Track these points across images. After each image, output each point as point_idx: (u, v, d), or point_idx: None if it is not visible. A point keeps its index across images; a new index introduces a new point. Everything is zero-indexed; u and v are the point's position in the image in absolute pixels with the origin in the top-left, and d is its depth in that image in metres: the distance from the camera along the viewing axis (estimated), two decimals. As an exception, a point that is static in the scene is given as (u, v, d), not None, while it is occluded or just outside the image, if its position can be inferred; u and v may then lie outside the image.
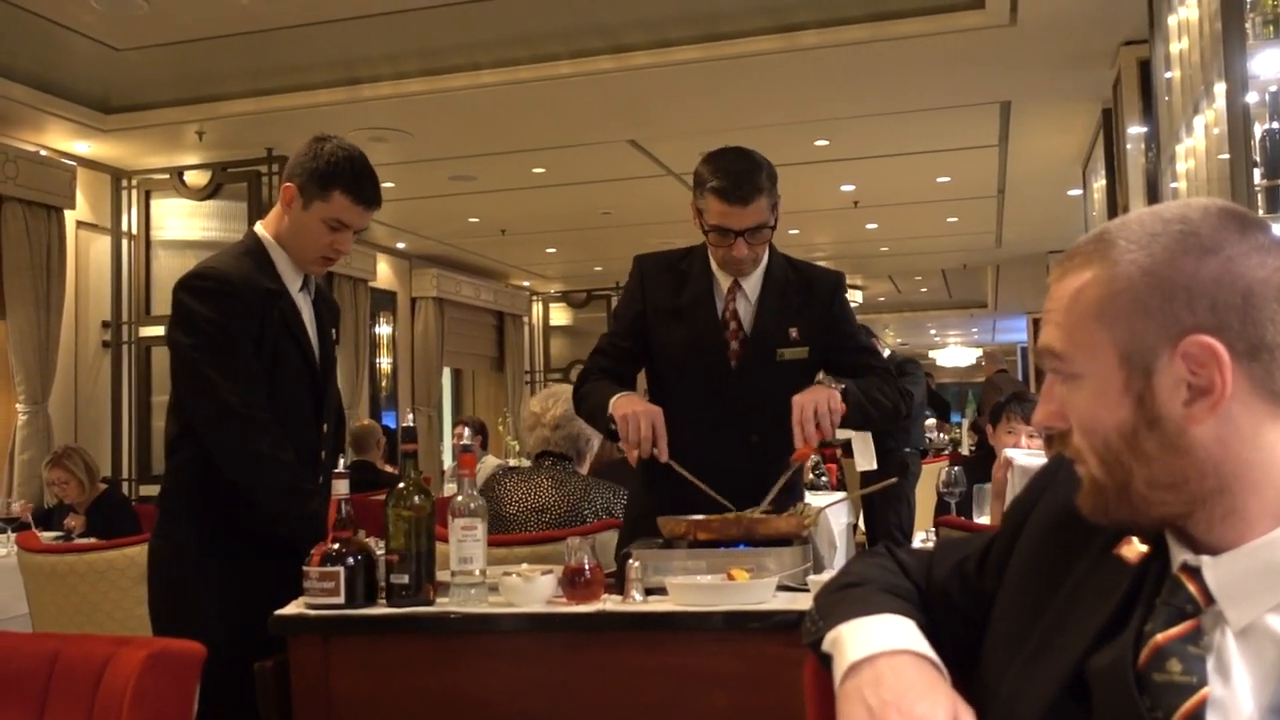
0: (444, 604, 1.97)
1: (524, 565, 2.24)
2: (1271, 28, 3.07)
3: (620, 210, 9.16)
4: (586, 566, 1.95)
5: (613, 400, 2.34)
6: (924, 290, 15.83)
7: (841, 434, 5.86)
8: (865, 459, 5.83)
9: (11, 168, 6.15)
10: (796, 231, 10.14)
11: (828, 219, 9.88)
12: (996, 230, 10.59)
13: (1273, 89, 3.12)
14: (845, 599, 1.07)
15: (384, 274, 10.24)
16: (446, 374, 11.56)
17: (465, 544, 1.96)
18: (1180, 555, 0.90)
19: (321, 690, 1.94)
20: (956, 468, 3.51)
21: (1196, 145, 3.82)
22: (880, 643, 0.99)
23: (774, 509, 2.26)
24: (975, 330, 20.90)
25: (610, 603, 1.94)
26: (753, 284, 2.49)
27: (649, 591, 1.97)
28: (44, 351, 6.36)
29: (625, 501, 2.90)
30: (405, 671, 1.94)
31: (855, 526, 6.29)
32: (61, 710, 1.49)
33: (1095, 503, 0.93)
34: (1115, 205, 5.84)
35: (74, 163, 6.75)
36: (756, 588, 1.89)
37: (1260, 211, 3.04)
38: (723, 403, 2.45)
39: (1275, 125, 3.08)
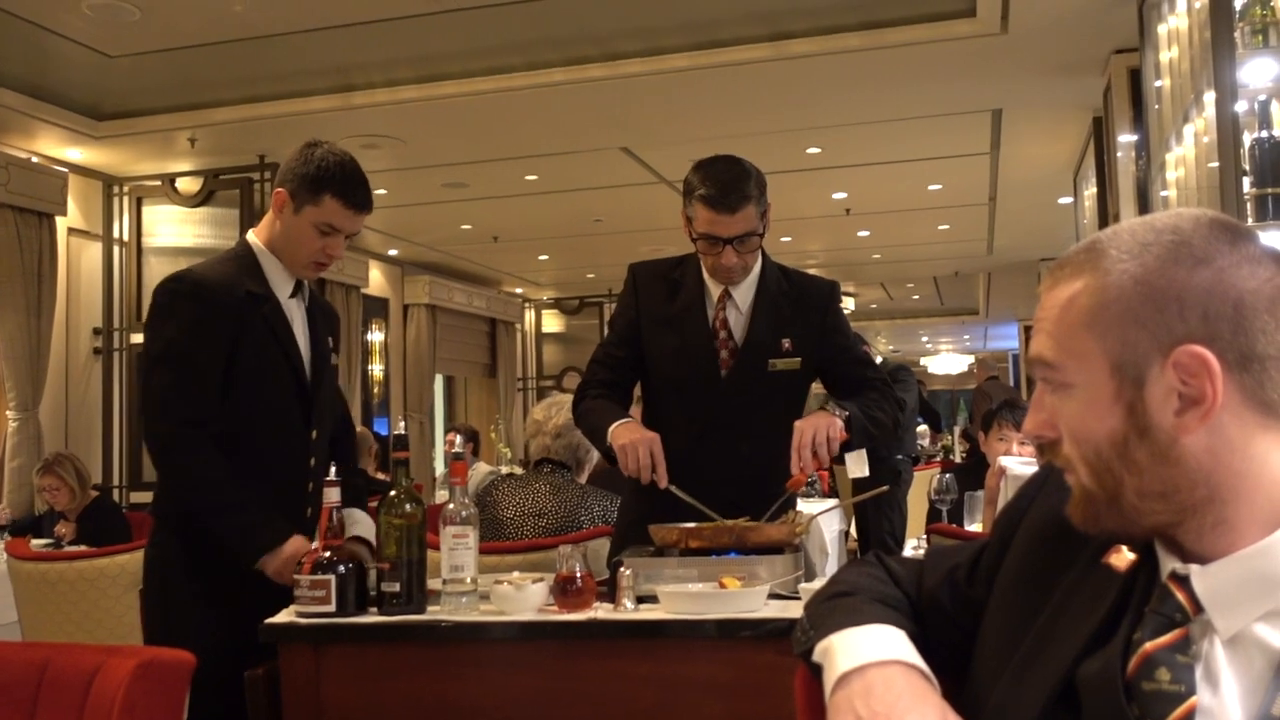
0: (435, 612, 1.97)
1: (515, 573, 2.24)
2: (1260, 37, 3.09)
3: (613, 217, 9.17)
4: (578, 574, 1.95)
5: (611, 430, 2.36)
6: (916, 297, 15.86)
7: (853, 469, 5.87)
8: (858, 466, 5.83)
9: (3, 174, 6.14)
10: (789, 239, 10.16)
11: (820, 226, 9.90)
12: (988, 238, 10.62)
13: (1262, 98, 3.14)
14: (836, 608, 1.07)
15: (376, 281, 10.23)
16: (439, 381, 11.54)
17: (457, 552, 1.96)
18: (1169, 564, 0.91)
19: (312, 699, 1.93)
20: (948, 475, 3.51)
21: (1186, 153, 3.84)
22: (871, 653, 0.99)
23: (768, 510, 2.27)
24: (967, 337, 20.94)
25: (602, 611, 1.94)
26: (743, 293, 2.48)
27: (640, 599, 1.97)
28: (35, 358, 6.34)
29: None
30: (396, 680, 1.94)
31: (846, 534, 6.28)
32: (52, 718, 1.48)
33: (1085, 512, 0.93)
34: (1106, 213, 5.86)
35: (65, 169, 6.74)
36: (748, 596, 1.89)
37: (1250, 220, 3.06)
38: (713, 412, 2.45)
39: (1265, 134, 3.09)
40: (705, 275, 2.49)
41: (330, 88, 5.96)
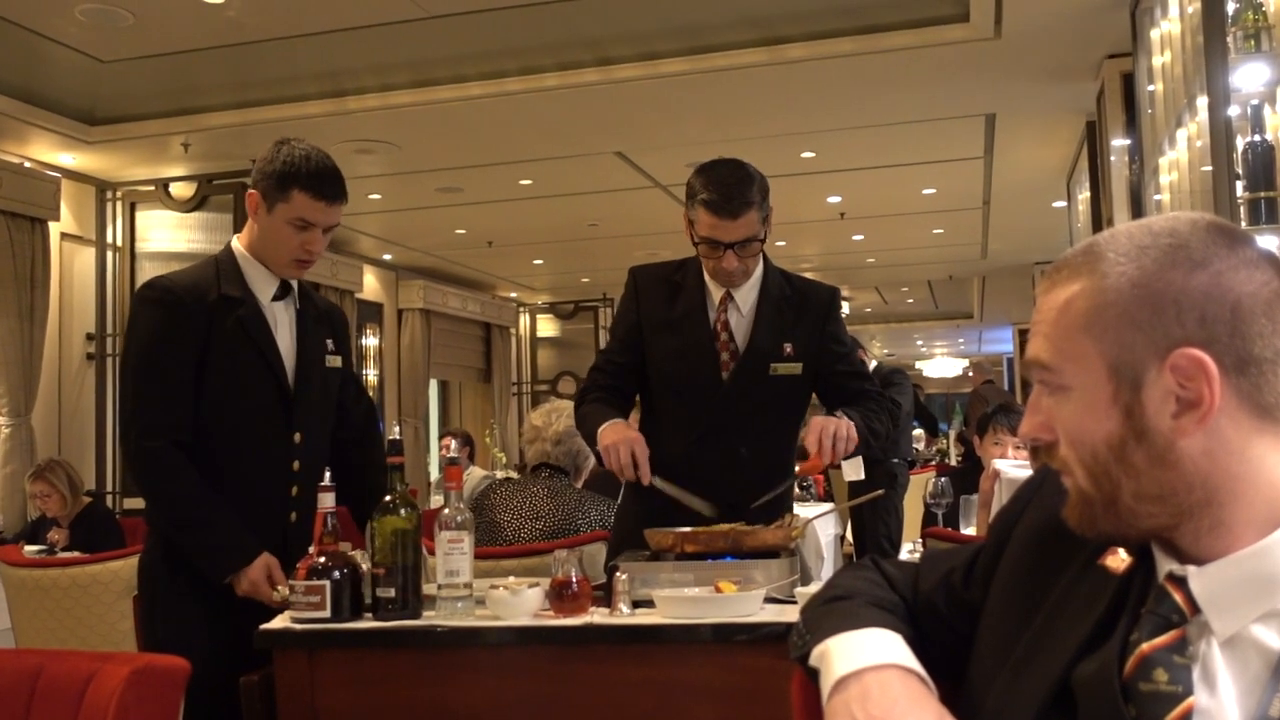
0: (430, 617, 1.96)
1: (511, 578, 2.23)
2: (1252, 42, 3.09)
3: (607, 222, 9.17)
4: (574, 579, 1.94)
5: (600, 430, 2.36)
6: (910, 301, 15.89)
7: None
8: (853, 469, 5.83)
9: (-5, 179, 6.12)
10: (784, 243, 10.17)
11: (814, 230, 9.91)
12: (982, 241, 10.65)
13: (1254, 102, 3.15)
14: (832, 613, 1.07)
15: (370, 285, 10.23)
16: (433, 386, 11.53)
17: (452, 557, 1.96)
18: (1166, 565, 0.91)
19: (307, 705, 1.92)
20: (943, 479, 3.51)
21: (1179, 158, 3.85)
22: (867, 657, 0.98)
23: (764, 512, 2.26)
24: (961, 341, 20.97)
25: (598, 615, 1.94)
26: (745, 297, 2.48)
27: (636, 604, 1.97)
28: (27, 364, 6.32)
29: None
30: (391, 685, 1.93)
31: (842, 538, 6.29)
32: (44, 727, 1.48)
33: (1082, 515, 0.93)
34: (1099, 217, 5.88)
35: (58, 174, 6.72)
36: (744, 600, 1.89)
37: (1243, 224, 3.06)
38: (713, 414, 2.45)
39: (1257, 138, 3.10)
40: (707, 278, 2.49)
41: (324, 92, 5.96)
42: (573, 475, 3.16)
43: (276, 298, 2.32)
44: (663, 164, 7.38)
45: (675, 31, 5.44)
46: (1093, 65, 5.58)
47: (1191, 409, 0.86)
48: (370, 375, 10.14)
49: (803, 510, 3.53)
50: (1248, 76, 3.15)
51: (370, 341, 10.19)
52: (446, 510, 1.99)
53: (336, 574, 1.96)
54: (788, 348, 2.45)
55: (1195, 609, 0.87)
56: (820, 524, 4.76)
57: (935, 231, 10.20)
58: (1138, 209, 5.00)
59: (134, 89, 6.01)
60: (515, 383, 12.85)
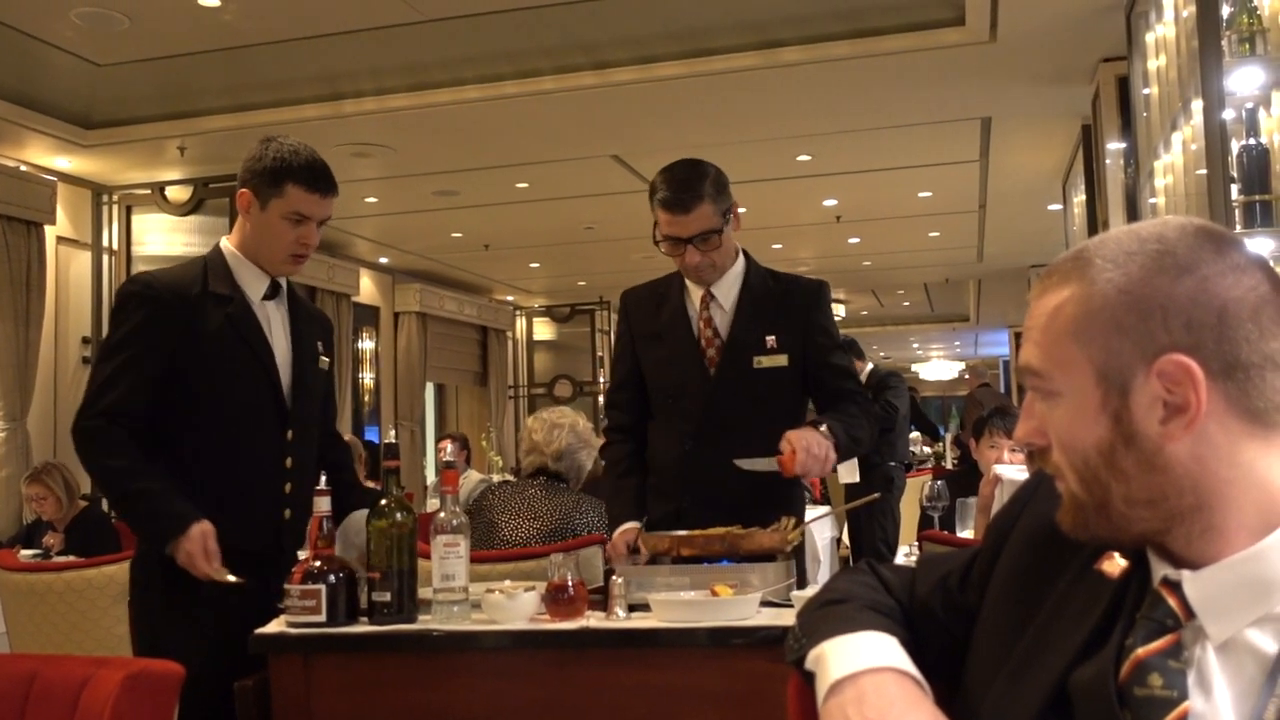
0: (426, 621, 1.96)
1: (507, 582, 2.23)
2: (1247, 45, 3.10)
3: (604, 225, 9.17)
4: (570, 583, 1.94)
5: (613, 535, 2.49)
6: (906, 304, 15.90)
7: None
8: (848, 472, 5.85)
9: (-9, 183, 6.12)
10: (779, 246, 10.18)
11: (810, 233, 9.92)
12: (978, 244, 10.66)
13: (1249, 105, 3.16)
14: (828, 616, 1.07)
15: (367, 289, 10.22)
16: (430, 389, 11.53)
17: (448, 561, 1.96)
18: (1160, 570, 0.91)
19: (303, 709, 1.92)
20: (939, 482, 3.51)
21: (1175, 161, 3.86)
22: (863, 660, 0.99)
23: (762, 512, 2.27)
24: (957, 344, 20.99)
25: (593, 619, 1.94)
26: (726, 293, 2.52)
27: (633, 608, 1.97)
28: (23, 367, 6.31)
29: None
30: (387, 690, 1.93)
31: (839, 541, 6.29)
32: (38, 732, 1.47)
33: (1075, 519, 0.93)
34: (1095, 220, 5.88)
35: (54, 178, 6.71)
36: (740, 604, 1.89)
37: (1238, 227, 3.07)
38: (705, 414, 2.48)
39: (1252, 141, 3.11)
40: (688, 281, 2.55)
41: (320, 96, 5.95)
42: (572, 482, 3.17)
43: (267, 297, 2.33)
44: (659, 167, 7.34)
45: (671, 35, 5.44)
46: (1088, 69, 5.59)
47: (1179, 414, 0.86)
48: (367, 379, 10.14)
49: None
50: (1242, 80, 3.16)
51: (366, 345, 10.19)
52: (442, 514, 1.99)
53: (332, 578, 1.96)
54: (770, 340, 2.47)
55: (1190, 614, 0.87)
56: (817, 527, 4.76)
57: (931, 234, 10.21)
58: (1133, 212, 5.01)
59: (130, 92, 6.00)
60: (512, 386, 12.84)
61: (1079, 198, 6.82)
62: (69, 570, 3.49)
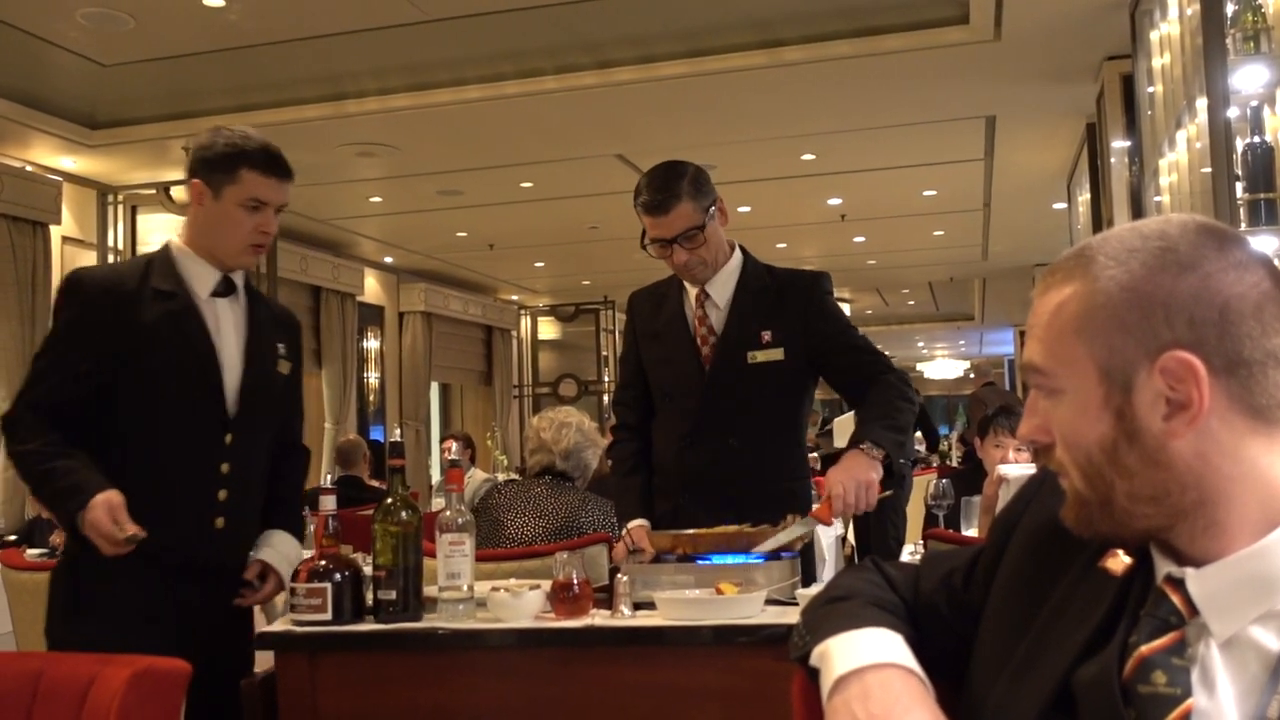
0: (432, 620, 1.96)
1: (512, 580, 2.24)
2: (1252, 43, 3.10)
3: (608, 224, 9.17)
4: (575, 581, 1.94)
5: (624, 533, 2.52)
6: (911, 303, 15.89)
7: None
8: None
9: (-3, 183, 6.13)
10: (784, 245, 10.18)
11: (815, 232, 9.92)
12: (983, 243, 10.65)
13: (1254, 104, 3.15)
14: (832, 613, 1.07)
15: (372, 288, 10.23)
16: (434, 388, 11.54)
17: (453, 559, 1.96)
18: (1164, 567, 0.91)
19: (309, 707, 1.92)
20: (944, 480, 3.51)
21: (1179, 159, 3.86)
22: (867, 656, 0.99)
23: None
24: (962, 343, 20.97)
25: (599, 618, 1.94)
26: (720, 291, 2.53)
27: (638, 606, 1.97)
28: (28, 367, 6.31)
29: None
30: (393, 688, 1.93)
31: (844, 540, 6.29)
32: (46, 729, 1.48)
33: (1079, 516, 0.94)
34: (1100, 218, 5.88)
35: (60, 178, 6.73)
36: (745, 602, 1.89)
37: (1242, 225, 3.07)
38: (700, 410, 2.49)
39: (1256, 139, 3.10)
40: (686, 284, 2.57)
41: (323, 96, 5.97)
42: (578, 481, 3.18)
43: (218, 294, 2.21)
44: (663, 167, 7.37)
45: (674, 34, 5.44)
46: (1092, 67, 5.58)
47: (1181, 411, 0.86)
48: (372, 378, 10.15)
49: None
50: (1247, 78, 3.15)
51: (371, 344, 10.20)
52: (448, 512, 1.99)
53: (338, 576, 1.96)
54: (765, 335, 2.47)
55: (1194, 611, 0.87)
56: (821, 527, 4.76)
57: (936, 233, 10.21)
58: (1138, 211, 5.01)
59: (135, 93, 6.01)
60: (516, 385, 12.85)
61: (1084, 196, 6.82)
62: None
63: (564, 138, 6.65)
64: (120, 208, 7.24)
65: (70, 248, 7.03)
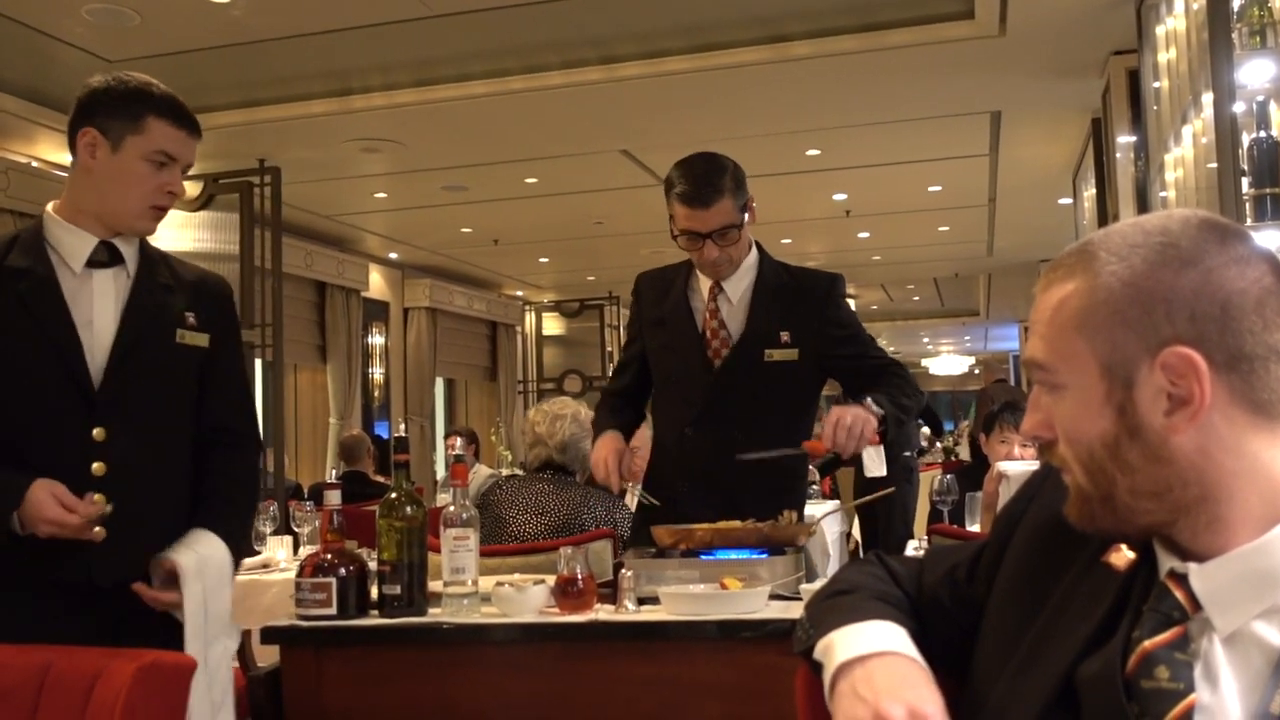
0: (436, 615, 1.97)
1: (516, 575, 2.24)
2: (1258, 38, 3.09)
3: (613, 220, 9.17)
4: (579, 576, 1.95)
5: (595, 444, 2.52)
6: (916, 299, 15.87)
7: None
8: (876, 464, 5.86)
9: (3, 179, 6.14)
10: (789, 241, 10.16)
11: (820, 228, 9.91)
12: (988, 239, 10.63)
13: (1260, 98, 3.14)
14: (836, 607, 1.08)
15: (376, 284, 10.24)
16: (439, 384, 11.55)
17: (457, 554, 1.96)
18: (1167, 562, 0.91)
19: (314, 702, 1.93)
20: (949, 476, 3.52)
21: (1185, 154, 3.85)
22: (870, 645, 0.99)
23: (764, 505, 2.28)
24: (968, 339, 20.94)
25: (603, 612, 1.94)
26: (735, 287, 2.52)
27: (642, 601, 1.97)
28: None
29: (625, 512, 2.94)
30: (398, 682, 1.94)
31: (849, 535, 6.30)
32: (52, 723, 1.49)
33: (1081, 511, 0.94)
34: (1105, 214, 5.86)
35: (66, 174, 6.74)
36: (749, 597, 1.89)
37: (1248, 220, 3.06)
38: (705, 401, 2.49)
39: (1263, 134, 3.10)
40: (698, 271, 2.56)
41: (329, 91, 5.97)
42: (579, 474, 3.17)
43: (97, 263, 1.89)
44: (668, 162, 7.24)
45: (679, 29, 5.44)
46: (1098, 62, 5.57)
47: (1183, 406, 0.86)
48: (376, 374, 10.16)
49: (810, 508, 3.53)
50: (1253, 73, 3.15)
51: (376, 340, 10.21)
52: (452, 507, 2.00)
53: (343, 571, 1.97)
54: (784, 335, 2.47)
55: (1197, 606, 0.87)
56: (826, 523, 4.76)
57: (941, 229, 10.19)
58: (1143, 206, 5.00)
59: (140, 88, 6.02)
60: (521, 381, 12.86)
61: (1089, 191, 6.80)
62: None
63: (569, 133, 6.65)
64: (126, 203, 7.24)
65: (76, 243, 7.04)
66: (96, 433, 1.83)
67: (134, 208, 1.89)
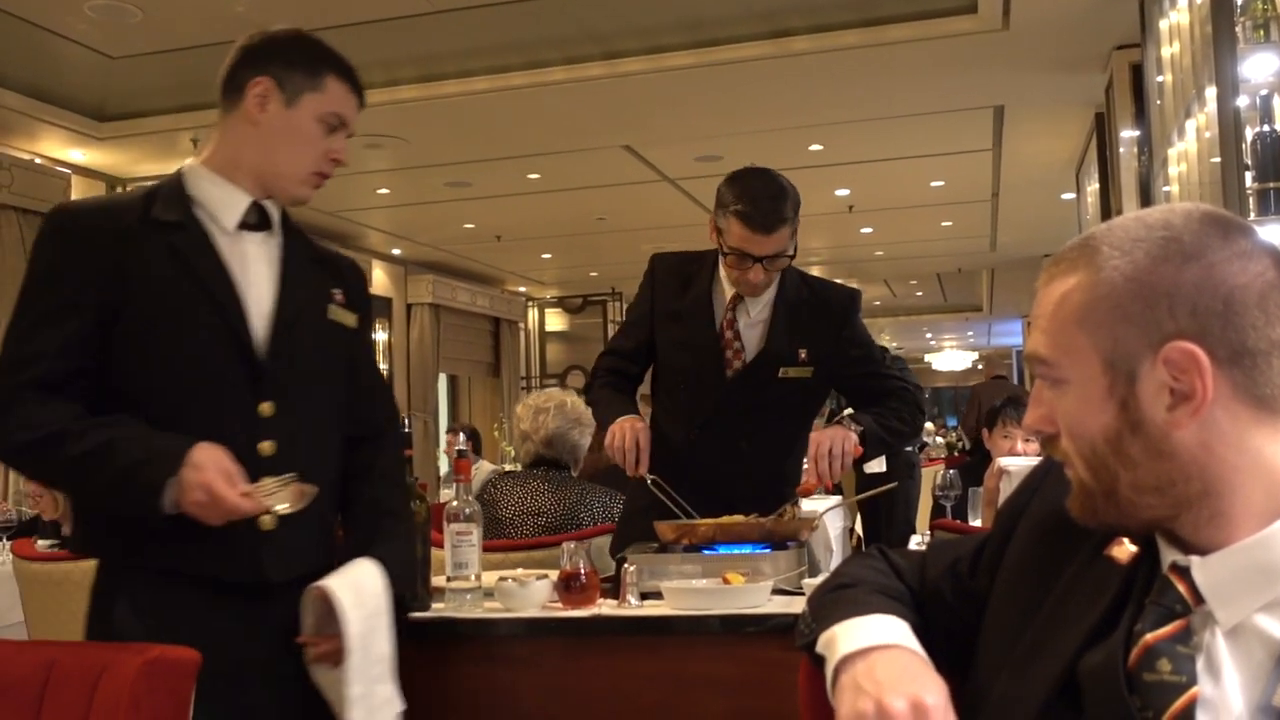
0: (439, 609, 1.97)
1: (519, 570, 2.24)
2: (1262, 31, 3.08)
3: (615, 215, 9.17)
4: (582, 571, 1.95)
5: (613, 420, 2.41)
6: (919, 294, 15.85)
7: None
8: (875, 460, 5.87)
9: (6, 176, 6.15)
10: (792, 237, 10.15)
11: (823, 224, 9.89)
12: (991, 234, 10.62)
13: (1263, 92, 3.13)
14: (838, 600, 1.08)
15: (379, 280, 10.24)
16: (442, 380, 11.55)
17: (460, 549, 1.97)
18: (1169, 555, 0.91)
19: (318, 696, 1.93)
20: (952, 471, 3.52)
21: (1188, 149, 3.84)
22: (873, 638, 0.99)
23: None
24: (970, 334, 20.93)
25: (606, 607, 1.94)
26: (755, 300, 2.47)
27: (644, 596, 1.98)
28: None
29: (621, 506, 2.91)
30: (401, 677, 1.94)
31: (852, 530, 6.30)
32: (58, 718, 1.49)
33: (1084, 506, 0.94)
34: (1109, 208, 5.86)
35: (69, 170, 6.75)
36: (752, 591, 1.90)
37: (1251, 214, 3.05)
38: (716, 408, 2.46)
39: (1266, 128, 3.09)
40: (721, 276, 2.49)
41: (331, 88, 5.96)
42: (572, 466, 3.16)
43: (249, 226, 1.70)
44: (671, 158, 7.37)
45: (681, 25, 5.43)
46: (1101, 56, 5.56)
47: (1185, 401, 0.86)
48: (379, 370, 10.16)
49: (812, 504, 3.53)
50: (1257, 66, 3.14)
51: (379, 336, 10.21)
52: (455, 502, 2.00)
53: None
54: (802, 353, 2.44)
55: (1199, 599, 0.87)
56: (829, 517, 4.76)
57: (944, 224, 10.18)
58: (1147, 200, 4.99)
59: (143, 85, 6.02)
60: (524, 377, 12.87)
61: (1092, 186, 6.79)
62: (86, 559, 3.51)
63: (571, 129, 6.64)
64: (129, 200, 7.25)
65: (79, 240, 7.05)
66: (264, 408, 1.63)
67: (299, 170, 1.72)
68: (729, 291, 2.48)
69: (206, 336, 1.62)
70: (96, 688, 1.48)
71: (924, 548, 1.61)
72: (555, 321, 13.42)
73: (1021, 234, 10.42)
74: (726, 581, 1.93)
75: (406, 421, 10.20)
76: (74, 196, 6.71)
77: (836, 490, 6.61)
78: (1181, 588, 0.88)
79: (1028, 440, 3.61)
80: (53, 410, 1.54)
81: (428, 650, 1.94)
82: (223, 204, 1.69)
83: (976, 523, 3.42)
